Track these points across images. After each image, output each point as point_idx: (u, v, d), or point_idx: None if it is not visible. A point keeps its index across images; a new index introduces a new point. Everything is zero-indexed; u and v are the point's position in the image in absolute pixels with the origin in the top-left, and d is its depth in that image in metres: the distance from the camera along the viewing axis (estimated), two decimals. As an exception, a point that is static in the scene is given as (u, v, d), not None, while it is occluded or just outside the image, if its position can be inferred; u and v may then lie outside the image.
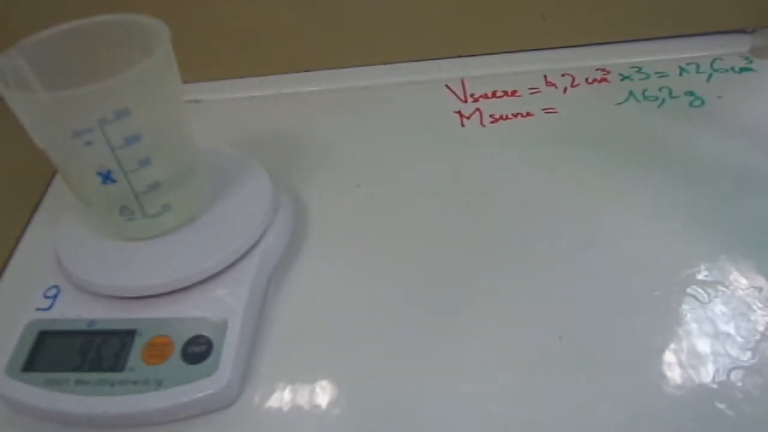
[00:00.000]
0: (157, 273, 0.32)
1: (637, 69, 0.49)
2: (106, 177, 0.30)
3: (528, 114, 0.46)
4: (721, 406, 0.28)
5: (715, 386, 0.29)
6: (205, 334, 0.31)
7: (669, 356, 0.30)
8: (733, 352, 0.30)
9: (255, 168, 0.38)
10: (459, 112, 0.47)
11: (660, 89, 0.47)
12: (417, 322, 0.33)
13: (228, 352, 0.30)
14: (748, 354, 0.30)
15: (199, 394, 0.29)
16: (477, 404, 0.29)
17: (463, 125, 0.46)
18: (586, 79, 0.49)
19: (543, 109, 0.46)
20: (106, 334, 0.31)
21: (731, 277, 0.33)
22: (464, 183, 0.41)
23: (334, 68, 0.52)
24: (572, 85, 0.48)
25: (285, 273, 0.36)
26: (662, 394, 0.29)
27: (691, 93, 0.46)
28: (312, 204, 0.40)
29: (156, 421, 0.29)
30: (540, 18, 0.49)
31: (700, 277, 0.33)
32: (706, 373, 0.29)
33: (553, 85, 0.49)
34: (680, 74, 0.48)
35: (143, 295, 0.32)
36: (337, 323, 0.33)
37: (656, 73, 0.49)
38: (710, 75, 0.48)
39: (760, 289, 0.33)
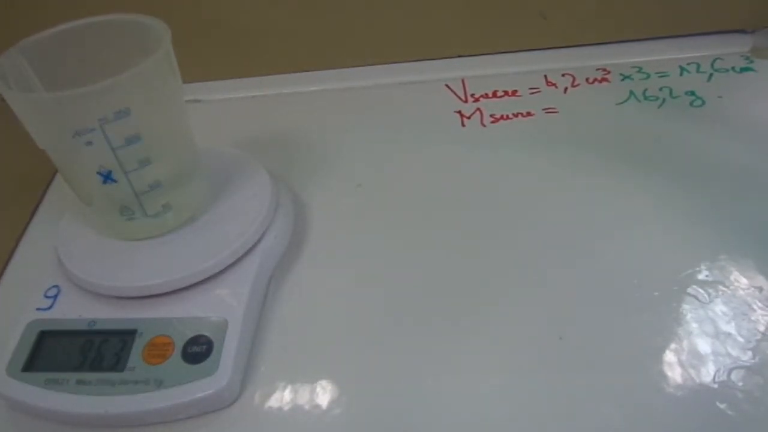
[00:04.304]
0: (158, 273, 0.32)
1: (637, 69, 0.49)
2: (107, 177, 0.30)
3: (528, 114, 0.46)
4: (722, 406, 0.28)
5: (715, 386, 0.29)
6: (206, 333, 0.31)
7: (669, 356, 0.30)
8: (734, 352, 0.30)
9: (255, 168, 0.38)
10: (459, 112, 0.47)
11: (660, 89, 0.47)
12: (417, 321, 0.33)
13: (228, 352, 0.30)
14: (749, 354, 0.30)
15: (200, 394, 0.29)
16: (477, 404, 0.29)
17: (463, 125, 0.46)
18: (587, 79, 0.49)
19: (543, 109, 0.46)
20: (107, 334, 0.31)
21: (731, 277, 0.33)
22: (464, 183, 0.41)
23: (334, 68, 0.52)
24: (572, 85, 0.48)
25: (285, 273, 0.36)
26: (662, 394, 0.29)
27: (692, 93, 0.46)
28: (312, 204, 0.40)
29: (156, 420, 0.29)
30: (540, 18, 0.49)
31: (700, 276, 0.33)
32: (707, 373, 0.29)
33: (554, 85, 0.49)
34: (681, 74, 0.48)
35: (144, 294, 0.32)
36: (338, 323, 0.33)
37: (657, 72, 0.49)
38: (711, 75, 0.48)
39: (761, 289, 0.33)
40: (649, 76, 0.48)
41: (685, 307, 0.32)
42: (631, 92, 0.47)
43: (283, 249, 0.37)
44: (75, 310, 0.32)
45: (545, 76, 0.49)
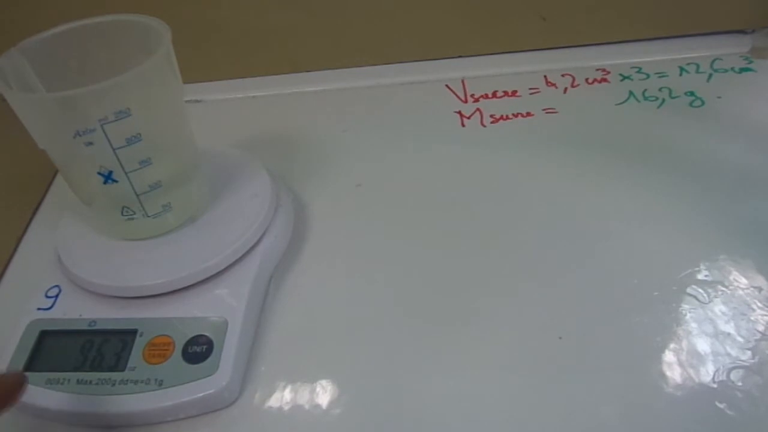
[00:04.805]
0: (158, 273, 0.32)
1: (637, 69, 0.49)
2: (108, 177, 0.30)
3: (528, 114, 0.46)
4: (721, 406, 0.28)
5: (715, 386, 0.29)
6: (206, 333, 0.31)
7: (669, 356, 0.30)
8: (733, 352, 0.30)
9: (255, 168, 0.38)
10: (459, 112, 0.47)
11: (660, 89, 0.47)
12: (417, 321, 0.33)
13: (228, 352, 0.30)
14: (748, 353, 0.30)
15: (200, 394, 0.29)
16: (477, 403, 0.29)
17: (463, 125, 0.46)
18: (586, 79, 0.49)
19: (543, 109, 0.46)
20: (107, 334, 0.31)
21: (731, 277, 0.33)
22: (464, 183, 0.41)
23: (334, 68, 0.52)
24: (572, 85, 0.48)
25: (285, 273, 0.36)
26: (662, 393, 0.29)
27: (691, 93, 0.46)
28: (312, 204, 0.40)
29: (157, 420, 0.30)
30: (540, 18, 0.49)
31: (700, 276, 0.33)
32: (706, 373, 0.29)
33: (553, 85, 0.49)
34: (680, 74, 0.48)
35: (144, 294, 0.32)
36: (338, 323, 0.33)
37: (656, 73, 0.49)
38: (710, 75, 0.48)
39: (760, 289, 0.33)
40: (648, 76, 0.48)
41: (685, 307, 0.32)
42: (631, 92, 0.47)
43: (283, 249, 0.37)
44: (75, 310, 0.32)
45: (545, 77, 0.49)
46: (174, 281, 0.32)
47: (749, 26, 0.50)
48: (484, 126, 0.45)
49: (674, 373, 0.29)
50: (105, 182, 0.31)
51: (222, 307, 0.32)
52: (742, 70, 0.48)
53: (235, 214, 0.35)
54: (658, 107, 0.45)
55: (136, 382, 0.29)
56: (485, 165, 0.42)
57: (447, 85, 0.50)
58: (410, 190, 0.41)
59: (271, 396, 0.30)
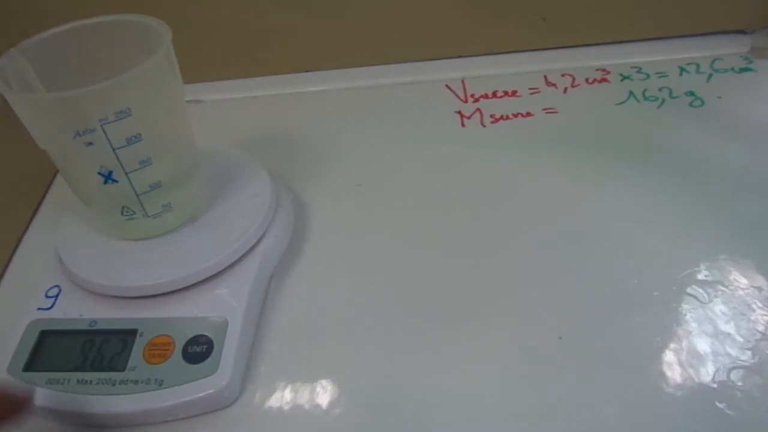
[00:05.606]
0: (158, 273, 0.32)
1: (637, 69, 0.49)
2: (108, 177, 0.30)
3: (528, 114, 0.46)
4: (721, 406, 0.28)
5: (715, 386, 0.29)
6: (206, 333, 0.31)
7: (669, 356, 0.30)
8: (733, 352, 0.30)
9: (255, 168, 0.38)
10: (459, 112, 0.47)
11: (660, 89, 0.47)
12: (417, 321, 0.33)
13: (228, 352, 0.30)
14: (748, 353, 0.30)
15: (200, 394, 0.29)
16: (477, 404, 0.29)
17: (463, 125, 0.46)
18: (586, 79, 0.49)
19: (543, 109, 0.46)
20: (108, 334, 0.31)
21: (731, 277, 0.33)
22: (464, 183, 0.41)
23: (334, 68, 0.52)
24: (572, 85, 0.48)
25: (285, 273, 0.36)
26: (662, 393, 0.29)
27: (691, 93, 0.46)
28: (312, 204, 0.40)
29: (157, 420, 0.30)
30: (540, 18, 0.49)
31: (700, 276, 0.33)
32: (706, 373, 0.29)
33: (553, 85, 0.49)
34: (680, 74, 0.48)
35: (144, 294, 0.32)
36: (338, 323, 0.33)
37: (656, 73, 0.49)
38: (710, 75, 0.48)
39: (760, 289, 0.33)
40: (648, 76, 0.48)
41: (685, 307, 0.32)
42: (631, 92, 0.47)
43: (283, 249, 0.37)
44: (76, 310, 0.32)
45: (545, 77, 0.49)
46: (174, 281, 0.32)
47: (749, 26, 0.50)
48: (484, 126, 0.46)
49: (674, 373, 0.29)
50: (105, 182, 0.31)
51: (222, 307, 0.32)
52: (742, 70, 0.48)
53: (235, 214, 0.35)
54: (658, 107, 0.45)
55: (136, 382, 0.29)
56: (485, 165, 0.42)
57: (447, 85, 0.50)
58: (410, 190, 0.41)
59: (271, 396, 0.30)
